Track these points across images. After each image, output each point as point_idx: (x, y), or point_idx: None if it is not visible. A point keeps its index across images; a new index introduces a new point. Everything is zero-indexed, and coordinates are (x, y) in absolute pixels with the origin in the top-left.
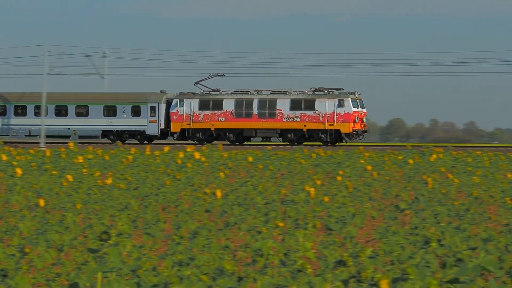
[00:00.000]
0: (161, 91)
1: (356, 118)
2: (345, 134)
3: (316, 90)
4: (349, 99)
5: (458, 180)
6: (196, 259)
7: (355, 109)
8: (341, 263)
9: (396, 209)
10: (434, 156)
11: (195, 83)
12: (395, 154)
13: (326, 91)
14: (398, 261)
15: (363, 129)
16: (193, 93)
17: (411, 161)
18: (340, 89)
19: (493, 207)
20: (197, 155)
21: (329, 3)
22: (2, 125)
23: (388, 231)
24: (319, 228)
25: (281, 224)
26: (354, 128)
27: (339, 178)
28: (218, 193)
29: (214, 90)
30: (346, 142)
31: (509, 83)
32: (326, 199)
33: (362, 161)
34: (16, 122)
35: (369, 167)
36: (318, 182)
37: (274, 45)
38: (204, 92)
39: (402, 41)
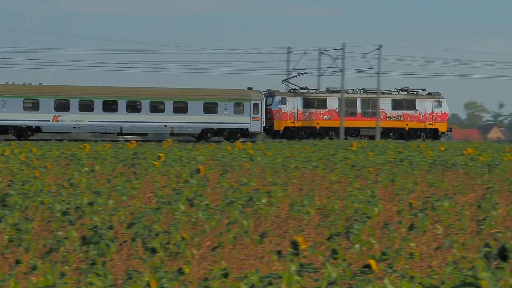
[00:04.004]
0: (248, 88)
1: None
2: (442, 132)
3: (401, 90)
4: (445, 99)
5: None
6: None
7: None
8: None
9: None
10: None
11: (283, 80)
12: None
13: (412, 91)
14: None
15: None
16: (274, 90)
17: None
18: (423, 89)
19: None
20: None
21: None
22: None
23: None
24: None
25: None
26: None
27: None
28: None
29: (302, 88)
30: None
31: None
32: None
33: None
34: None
35: None
36: None
37: None
38: (291, 90)
39: None
